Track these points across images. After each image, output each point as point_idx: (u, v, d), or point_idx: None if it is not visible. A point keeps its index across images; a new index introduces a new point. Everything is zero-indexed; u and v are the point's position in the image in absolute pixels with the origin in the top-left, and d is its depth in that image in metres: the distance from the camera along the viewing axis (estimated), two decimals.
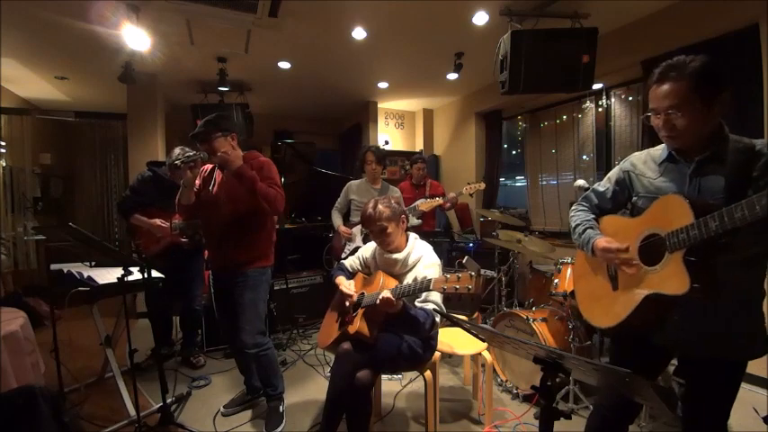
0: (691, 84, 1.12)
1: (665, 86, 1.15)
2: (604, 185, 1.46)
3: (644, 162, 1.36)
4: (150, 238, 2.87)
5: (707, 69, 1.13)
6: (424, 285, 1.64)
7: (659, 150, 1.34)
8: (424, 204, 3.28)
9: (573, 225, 1.46)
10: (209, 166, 2.33)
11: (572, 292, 2.44)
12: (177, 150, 2.74)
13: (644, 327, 1.26)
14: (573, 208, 1.53)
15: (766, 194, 0.91)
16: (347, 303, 1.93)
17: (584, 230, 1.39)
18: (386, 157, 3.40)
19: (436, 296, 1.83)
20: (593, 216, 1.45)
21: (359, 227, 3.29)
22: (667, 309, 1.20)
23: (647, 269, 1.18)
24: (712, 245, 1.04)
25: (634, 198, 1.37)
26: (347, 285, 1.97)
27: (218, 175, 2.28)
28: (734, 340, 1.19)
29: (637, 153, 1.41)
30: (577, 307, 1.48)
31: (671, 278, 1.10)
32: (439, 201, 3.33)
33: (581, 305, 1.46)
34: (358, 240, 3.24)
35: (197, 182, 2.26)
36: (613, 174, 1.45)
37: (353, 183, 3.45)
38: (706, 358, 1.23)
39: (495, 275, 3.12)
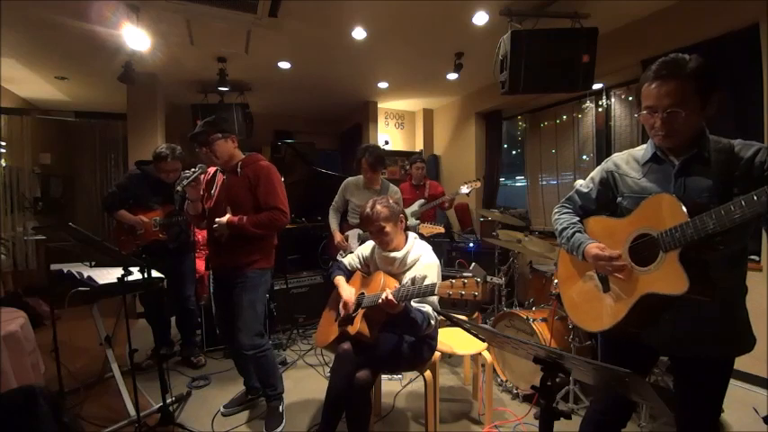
0: (692, 82, 1.11)
1: (667, 85, 1.13)
2: (587, 186, 1.44)
3: (626, 162, 1.35)
4: (132, 234, 2.89)
5: (707, 69, 1.13)
6: (429, 290, 1.64)
7: (641, 150, 1.33)
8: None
9: (559, 228, 1.43)
10: (212, 169, 2.32)
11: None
12: (163, 146, 2.79)
13: (638, 328, 1.25)
14: (556, 210, 1.51)
15: (765, 191, 0.92)
16: (342, 311, 1.92)
17: (573, 234, 1.37)
18: (383, 160, 3.15)
19: (434, 297, 1.83)
20: (577, 218, 1.43)
21: (356, 230, 3.24)
22: (663, 309, 1.19)
23: (640, 270, 1.17)
24: (707, 243, 1.04)
25: (619, 199, 1.35)
26: (348, 292, 1.95)
27: (219, 177, 2.28)
28: (720, 338, 1.20)
29: (618, 153, 1.40)
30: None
31: (668, 278, 1.10)
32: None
33: (569, 310, 1.43)
34: (353, 246, 3.16)
35: (202, 186, 2.26)
36: (596, 174, 1.43)
37: (351, 180, 3.26)
38: (693, 357, 1.23)
39: (501, 281, 3.10)
